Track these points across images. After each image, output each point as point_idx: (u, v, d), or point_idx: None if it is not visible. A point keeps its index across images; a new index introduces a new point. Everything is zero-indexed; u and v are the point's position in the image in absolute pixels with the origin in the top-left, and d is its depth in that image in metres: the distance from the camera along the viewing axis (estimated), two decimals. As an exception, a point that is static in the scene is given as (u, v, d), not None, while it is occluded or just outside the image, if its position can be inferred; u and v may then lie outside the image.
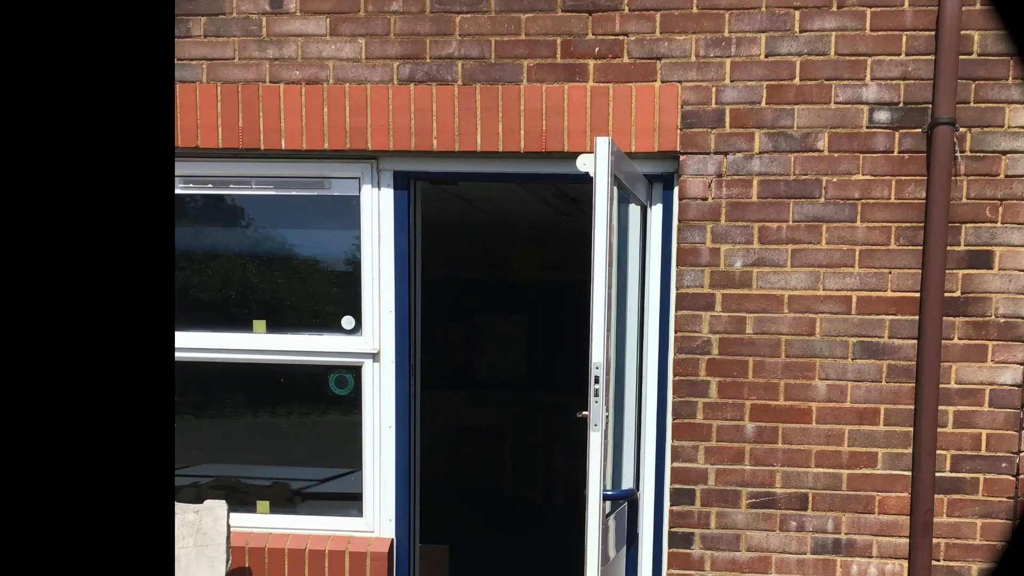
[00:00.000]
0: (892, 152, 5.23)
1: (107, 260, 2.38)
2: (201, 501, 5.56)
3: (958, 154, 5.16)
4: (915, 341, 5.27)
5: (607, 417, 4.64)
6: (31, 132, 2.31)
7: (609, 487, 4.95)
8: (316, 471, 6.34)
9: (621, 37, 5.31)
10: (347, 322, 5.80)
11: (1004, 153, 5.16)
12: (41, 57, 2.31)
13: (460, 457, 12.19)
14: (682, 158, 5.35)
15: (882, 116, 5.22)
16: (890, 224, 5.26)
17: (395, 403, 5.80)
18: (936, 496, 5.33)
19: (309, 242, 6.09)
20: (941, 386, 5.27)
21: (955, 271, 5.22)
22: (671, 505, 5.56)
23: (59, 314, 2.33)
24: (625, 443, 5.67)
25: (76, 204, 2.35)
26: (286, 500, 6.19)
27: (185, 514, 5.44)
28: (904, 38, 5.17)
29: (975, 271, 5.23)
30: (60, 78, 2.33)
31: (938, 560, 5.38)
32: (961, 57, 5.09)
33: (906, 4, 5.14)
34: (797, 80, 5.24)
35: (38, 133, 2.31)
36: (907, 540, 5.39)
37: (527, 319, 13.13)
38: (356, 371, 5.84)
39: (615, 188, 4.66)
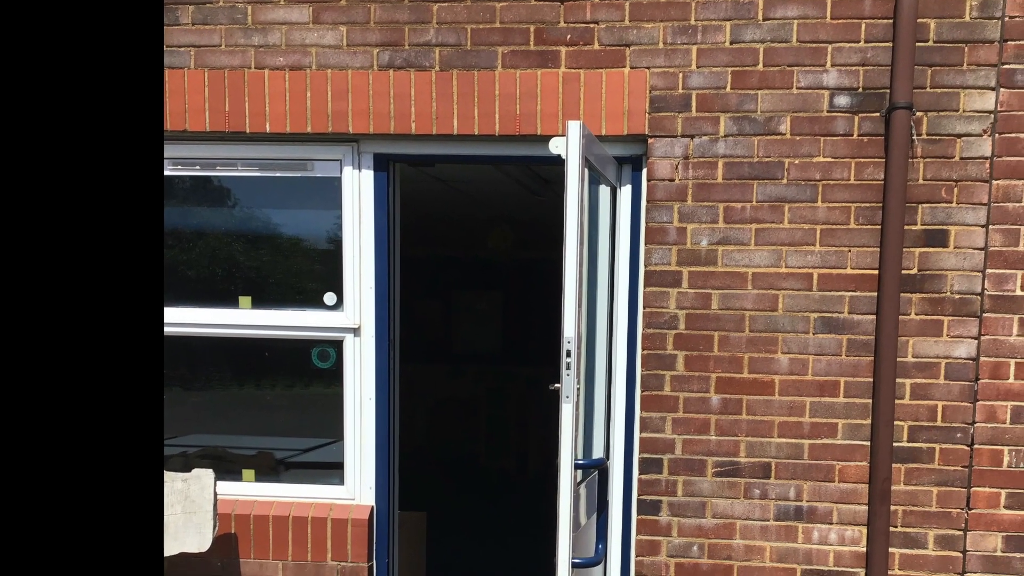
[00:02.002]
0: (852, 135, 5.34)
1: (99, 240, 2.48)
2: (189, 470, 5.62)
3: (915, 137, 5.28)
4: (874, 316, 5.39)
5: (578, 389, 4.66)
6: (26, 119, 2.42)
7: (580, 456, 4.96)
8: (299, 441, 6.42)
9: (592, 25, 5.42)
10: (329, 298, 5.90)
11: (959, 136, 5.28)
12: (34, 47, 2.42)
13: (437, 428, 12.30)
14: (650, 141, 5.47)
15: (842, 101, 5.33)
16: (850, 204, 5.37)
17: (375, 376, 5.91)
18: (894, 465, 5.45)
19: (293, 222, 6.15)
20: (899, 360, 5.38)
21: (912, 249, 5.34)
22: (640, 474, 5.67)
23: (52, 292, 2.44)
24: (596, 414, 5.74)
25: (69, 186, 2.45)
26: (271, 469, 6.25)
27: (174, 482, 5.52)
28: (863, 26, 5.28)
29: (931, 249, 5.35)
30: (53, 66, 2.44)
31: (896, 527, 5.51)
32: (918, 44, 5.22)
33: (865, -7, 5.28)
34: (760, 66, 5.36)
35: (32, 120, 2.41)
36: (866, 507, 5.52)
37: (502, 295, 13.21)
38: (338, 345, 5.93)
39: (586, 170, 4.72)
